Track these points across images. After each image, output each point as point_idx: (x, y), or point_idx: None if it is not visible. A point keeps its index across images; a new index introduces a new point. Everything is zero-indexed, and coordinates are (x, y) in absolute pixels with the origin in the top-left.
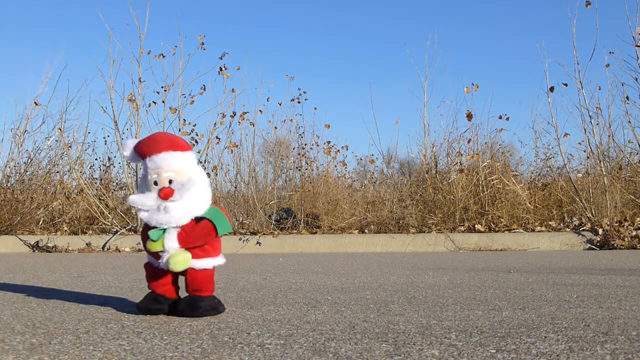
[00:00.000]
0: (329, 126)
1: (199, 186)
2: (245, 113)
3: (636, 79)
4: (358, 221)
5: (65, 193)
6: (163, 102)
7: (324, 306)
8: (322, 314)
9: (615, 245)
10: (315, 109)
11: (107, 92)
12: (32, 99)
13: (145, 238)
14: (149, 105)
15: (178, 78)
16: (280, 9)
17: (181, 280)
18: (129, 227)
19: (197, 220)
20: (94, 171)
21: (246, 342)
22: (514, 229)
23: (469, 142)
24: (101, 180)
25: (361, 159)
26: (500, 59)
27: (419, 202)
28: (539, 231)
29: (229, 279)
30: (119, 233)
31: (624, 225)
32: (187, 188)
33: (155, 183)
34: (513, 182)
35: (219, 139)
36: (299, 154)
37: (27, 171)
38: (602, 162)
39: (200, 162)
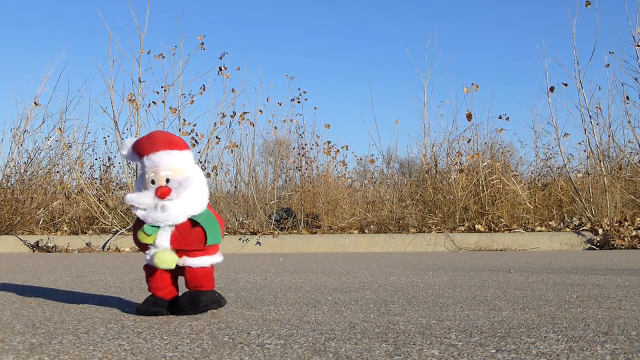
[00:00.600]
0: (329, 126)
1: (197, 185)
2: (245, 113)
3: (636, 79)
4: (358, 221)
5: (65, 193)
6: (163, 102)
7: (324, 306)
8: (322, 314)
9: (615, 245)
10: (315, 109)
11: (107, 92)
12: (32, 99)
13: (136, 229)
14: (149, 105)
15: (178, 78)
16: (280, 9)
17: (181, 281)
18: (129, 227)
19: (193, 223)
20: (94, 171)
21: (246, 342)
22: (514, 229)
23: (469, 142)
24: (101, 180)
25: (361, 159)
26: (500, 59)
27: (419, 202)
28: (539, 231)
29: (228, 279)
30: (119, 233)
31: (624, 225)
32: (185, 187)
33: (153, 182)
34: (513, 182)
35: (219, 139)
36: (299, 154)
37: (27, 171)
38: (602, 162)
39: (200, 162)
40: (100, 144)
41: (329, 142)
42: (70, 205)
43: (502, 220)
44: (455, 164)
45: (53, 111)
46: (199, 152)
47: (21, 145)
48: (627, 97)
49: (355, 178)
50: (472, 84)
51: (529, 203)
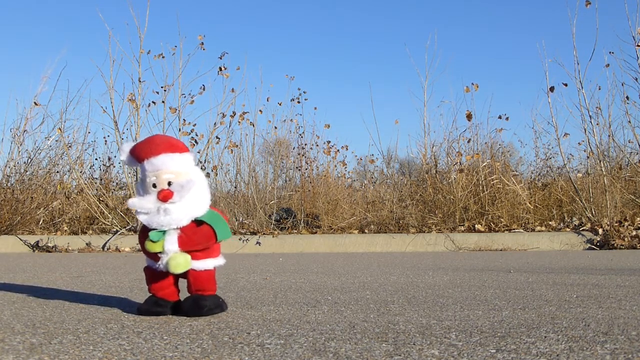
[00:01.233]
0: (329, 126)
1: (199, 187)
2: (245, 113)
3: (636, 79)
4: (358, 221)
5: (65, 193)
6: (163, 102)
7: (324, 306)
8: (322, 314)
9: (615, 245)
10: (315, 109)
11: (107, 92)
12: (32, 99)
13: (143, 239)
14: (149, 105)
15: (178, 78)
16: (280, 9)
17: (181, 282)
18: (129, 227)
19: (198, 223)
20: (94, 171)
21: (246, 342)
22: (514, 229)
23: (469, 142)
24: (101, 180)
25: (361, 159)
26: (500, 59)
27: (419, 202)
28: (539, 231)
29: (229, 279)
30: (119, 233)
31: (624, 225)
32: (187, 189)
33: (154, 185)
34: (513, 182)
35: (219, 139)
36: (299, 154)
37: (27, 171)
38: (602, 162)
39: (200, 162)
40: (100, 144)
41: (329, 142)
42: (70, 205)
43: (502, 220)
44: (455, 164)
45: (53, 111)
46: (199, 152)
47: (21, 145)
48: (627, 97)
49: (355, 178)
50: (472, 83)
51: (529, 203)
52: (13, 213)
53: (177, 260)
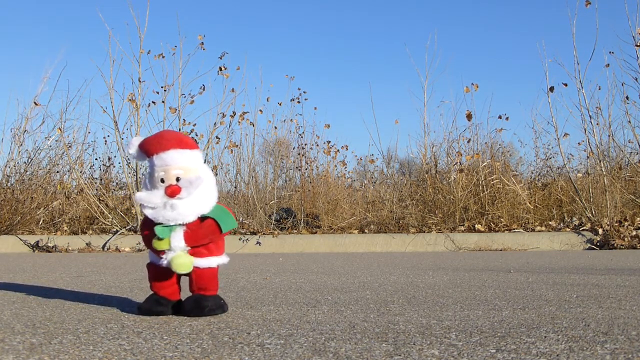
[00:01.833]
0: (329, 126)
1: (206, 184)
2: (245, 113)
3: (636, 79)
4: (358, 221)
5: (65, 193)
6: (163, 102)
7: (324, 306)
8: (322, 314)
9: (615, 245)
10: (315, 108)
11: (107, 92)
12: (32, 99)
13: (145, 232)
14: (149, 105)
15: (178, 78)
16: (280, 9)
17: (183, 281)
18: (129, 227)
19: (202, 219)
20: (94, 171)
21: (246, 342)
22: (514, 229)
23: (468, 142)
24: (101, 180)
25: (361, 159)
26: (500, 59)
27: (419, 202)
28: (539, 231)
29: (229, 278)
30: (119, 233)
31: (624, 225)
32: (195, 186)
33: (162, 180)
34: (513, 182)
35: (219, 138)
36: (299, 154)
37: (27, 171)
38: (602, 162)
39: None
40: (100, 144)
41: (329, 142)
42: (70, 205)
43: (502, 220)
44: (455, 163)
45: (53, 111)
46: None
47: (21, 145)
48: (627, 97)
49: (355, 178)
50: (472, 83)
51: (529, 203)
52: (13, 213)
53: (181, 259)
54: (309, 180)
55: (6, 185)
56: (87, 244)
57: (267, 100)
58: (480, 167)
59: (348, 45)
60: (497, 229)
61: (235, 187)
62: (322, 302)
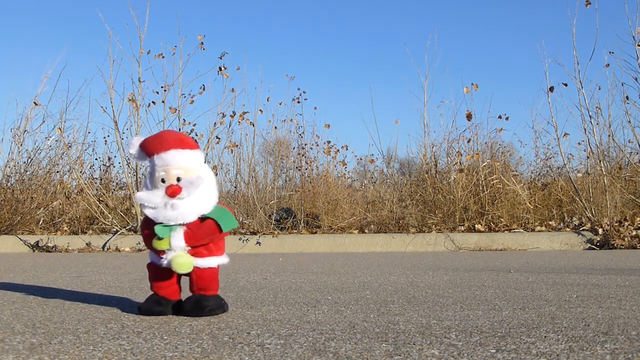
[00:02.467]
0: (329, 126)
1: (207, 184)
2: (245, 113)
3: (636, 79)
4: (358, 221)
5: (65, 193)
6: (163, 102)
7: (324, 306)
8: (322, 313)
9: (615, 245)
10: (315, 108)
11: (107, 92)
12: (32, 99)
13: (146, 232)
14: (149, 105)
15: (178, 78)
16: (280, 9)
17: (183, 281)
18: (129, 227)
19: (202, 219)
20: (94, 171)
21: (246, 342)
22: (514, 229)
23: (468, 142)
24: (101, 180)
25: (361, 159)
26: (500, 59)
27: (419, 202)
28: (539, 231)
29: (229, 278)
30: (119, 233)
31: (624, 225)
32: (196, 186)
33: (163, 180)
34: (513, 182)
35: (219, 138)
36: (299, 154)
37: (27, 171)
38: (602, 162)
39: None
40: (100, 144)
41: (329, 142)
42: (70, 205)
43: (502, 220)
44: (455, 163)
45: (53, 111)
46: None
47: (21, 145)
48: (627, 97)
49: (355, 178)
50: (472, 84)
51: (529, 203)
52: (13, 213)
53: (181, 259)
54: (309, 180)
55: (6, 185)
56: (87, 244)
57: (267, 100)
58: (480, 167)
59: (348, 45)
60: (497, 229)
61: (235, 187)
62: (322, 302)
